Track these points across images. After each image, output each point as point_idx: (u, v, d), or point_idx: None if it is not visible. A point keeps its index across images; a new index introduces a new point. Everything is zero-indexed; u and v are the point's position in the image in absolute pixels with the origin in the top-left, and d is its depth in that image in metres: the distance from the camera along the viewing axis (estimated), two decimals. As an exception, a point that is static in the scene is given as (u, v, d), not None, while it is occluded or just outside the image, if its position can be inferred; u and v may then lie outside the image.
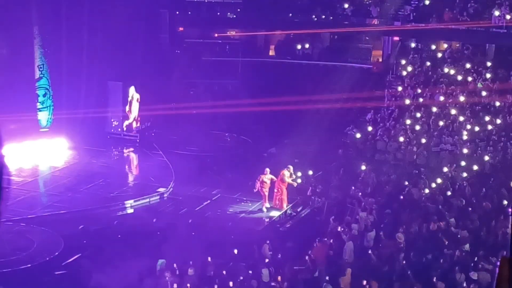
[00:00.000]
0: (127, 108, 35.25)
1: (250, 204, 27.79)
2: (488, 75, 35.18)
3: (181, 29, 40.52)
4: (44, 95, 33.17)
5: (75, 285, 21.31)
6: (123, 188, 29.72)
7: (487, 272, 21.37)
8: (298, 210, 27.80)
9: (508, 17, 35.92)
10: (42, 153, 31.92)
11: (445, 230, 24.20)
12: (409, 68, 36.80)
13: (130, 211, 27.66)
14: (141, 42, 36.31)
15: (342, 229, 24.24)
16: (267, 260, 22.33)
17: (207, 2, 40.01)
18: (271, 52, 42.88)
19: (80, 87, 34.19)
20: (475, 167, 29.16)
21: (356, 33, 39.63)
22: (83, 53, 34.06)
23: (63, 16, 33.21)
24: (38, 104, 33.06)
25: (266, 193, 27.34)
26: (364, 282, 20.77)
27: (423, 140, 31.47)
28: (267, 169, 27.43)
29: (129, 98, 35.23)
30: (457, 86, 34.94)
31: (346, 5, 39.42)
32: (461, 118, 32.52)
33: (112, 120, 35.15)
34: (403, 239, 23.28)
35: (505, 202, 26.23)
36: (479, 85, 34.79)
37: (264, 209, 27.43)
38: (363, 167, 29.38)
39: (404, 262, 22.44)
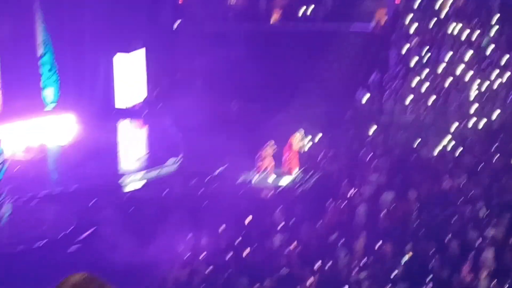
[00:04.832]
0: (133, 81, 35.17)
1: (260, 172, 27.74)
2: (494, 31, 34.88)
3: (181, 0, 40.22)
4: (50, 71, 33.05)
5: (89, 261, 21.37)
6: (132, 161, 29.74)
7: (499, 229, 21.36)
8: (309, 175, 27.76)
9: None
10: (50, 130, 31.88)
11: (457, 189, 24.18)
12: (414, 27, 36.49)
13: (140, 184, 27.66)
14: (142, 14, 36.08)
15: (354, 192, 24.23)
16: (281, 226, 22.36)
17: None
18: (274, 18, 42.58)
19: (84, 61, 34.08)
20: (484, 124, 29.07)
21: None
22: (85, 25, 33.88)
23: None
24: (43, 80, 32.96)
25: (269, 165, 27.31)
26: (378, 245, 20.80)
27: (431, 100, 31.33)
28: (272, 141, 27.39)
29: (134, 72, 35.16)
30: (462, 43, 34.67)
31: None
32: (468, 76, 32.33)
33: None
34: (415, 198, 23.29)
35: (515, 158, 26.20)
36: (485, 41, 34.52)
37: (271, 179, 27.41)
38: (372, 129, 29.30)
39: (416, 222, 22.45)
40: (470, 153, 27.00)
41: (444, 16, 36.71)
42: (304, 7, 39.95)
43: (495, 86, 31.70)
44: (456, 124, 29.34)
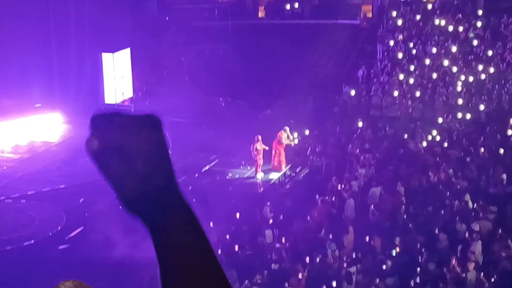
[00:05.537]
0: (119, 79, 35.11)
1: (248, 168, 27.78)
2: (479, 24, 35.00)
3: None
4: (37, 70, 32.93)
5: (79, 259, 21.37)
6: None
7: (487, 221, 21.49)
8: (297, 170, 27.82)
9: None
10: (37, 129, 31.80)
11: (445, 182, 24.30)
12: (400, 22, 36.59)
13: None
14: (128, 11, 35.96)
15: (342, 186, 24.30)
16: (271, 221, 22.40)
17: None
18: (260, 13, 42.59)
19: (70, 59, 33.99)
20: (471, 117, 29.23)
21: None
22: (70, 25, 33.79)
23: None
24: (31, 79, 32.85)
25: (260, 162, 27.19)
26: (367, 238, 20.87)
27: (418, 93, 31.46)
28: (259, 136, 27.26)
29: (120, 69, 35.09)
30: (448, 36, 34.79)
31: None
32: (454, 69, 32.45)
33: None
34: (403, 192, 23.39)
35: (502, 151, 26.34)
36: (471, 34, 34.64)
37: (258, 177, 27.31)
38: (359, 124, 29.39)
39: (405, 215, 22.55)
40: (457, 146, 27.14)
41: (431, 10, 36.83)
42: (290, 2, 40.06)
43: (481, 79, 31.83)
44: (443, 117, 29.48)
